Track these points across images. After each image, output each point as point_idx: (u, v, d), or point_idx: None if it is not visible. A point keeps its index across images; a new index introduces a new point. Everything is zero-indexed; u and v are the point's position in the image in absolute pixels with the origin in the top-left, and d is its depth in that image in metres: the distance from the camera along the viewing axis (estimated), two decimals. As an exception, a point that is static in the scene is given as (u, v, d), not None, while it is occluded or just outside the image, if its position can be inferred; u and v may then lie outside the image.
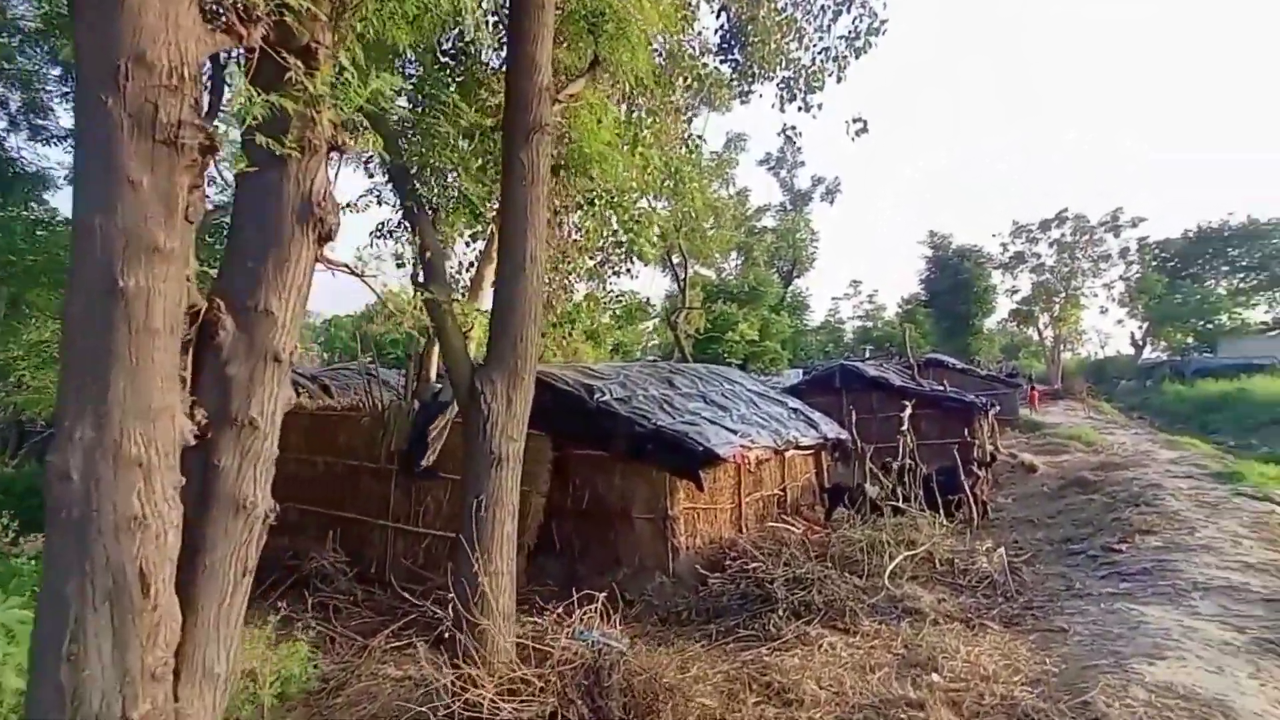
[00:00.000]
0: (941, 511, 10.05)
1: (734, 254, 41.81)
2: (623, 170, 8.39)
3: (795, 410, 11.99)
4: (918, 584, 6.14)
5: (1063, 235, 49.00)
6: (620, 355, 32.89)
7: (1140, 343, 49.26)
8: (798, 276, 45.95)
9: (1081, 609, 5.02)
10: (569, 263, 11.74)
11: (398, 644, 3.92)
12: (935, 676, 4.14)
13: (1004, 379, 25.33)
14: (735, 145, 26.73)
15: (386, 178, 6.69)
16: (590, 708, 3.42)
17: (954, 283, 48.33)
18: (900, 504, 9.26)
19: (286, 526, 8.08)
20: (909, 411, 11.58)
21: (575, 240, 11.16)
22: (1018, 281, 51.19)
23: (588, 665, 3.66)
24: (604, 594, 4.52)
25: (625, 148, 8.33)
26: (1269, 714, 3.31)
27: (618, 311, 25.58)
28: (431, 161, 6.08)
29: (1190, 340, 46.67)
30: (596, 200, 9.74)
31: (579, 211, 10.16)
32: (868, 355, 35.90)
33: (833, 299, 54.76)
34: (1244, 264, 45.56)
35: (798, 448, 10.29)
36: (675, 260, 24.81)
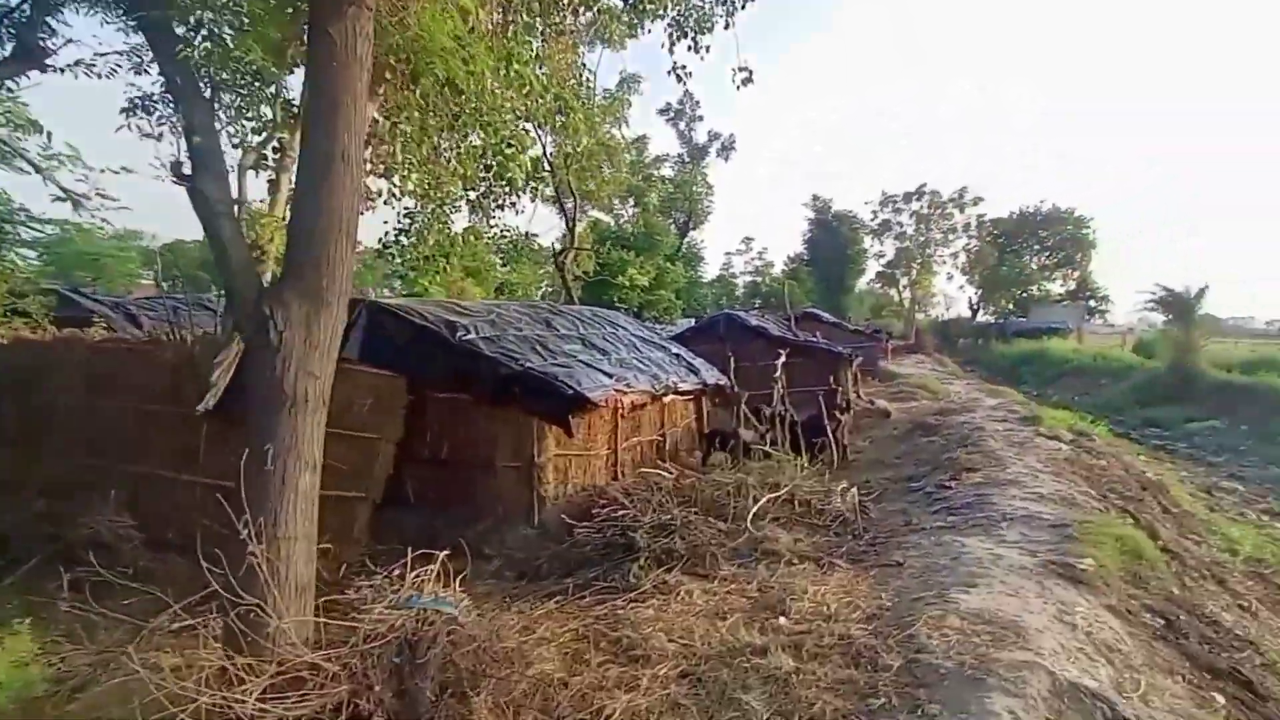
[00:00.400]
0: (806, 454, 10.56)
1: (630, 201, 41.36)
2: (492, 86, 7.58)
3: (678, 356, 11.95)
4: (779, 525, 6.28)
5: (921, 208, 53.32)
6: (507, 295, 31.67)
7: (976, 307, 55.16)
8: (693, 228, 46.42)
9: (916, 543, 5.36)
10: (442, 190, 10.69)
11: (188, 623, 3.21)
12: (783, 620, 4.21)
13: (868, 333, 27.19)
14: (629, 86, 25.76)
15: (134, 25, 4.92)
16: (395, 691, 2.96)
17: (832, 245, 51.37)
18: (770, 448, 9.52)
19: (52, 486, 6.81)
20: (783, 359, 11.90)
21: (449, 166, 10.14)
22: (884, 247, 55.32)
23: (403, 639, 3.18)
24: (454, 550, 4.08)
25: (501, 67, 7.54)
26: (1049, 629, 3.71)
27: (503, 248, 24.39)
28: (206, 18, 4.73)
29: (1011, 306, 53.14)
30: (463, 117, 8.79)
31: (449, 132, 9.17)
32: (755, 307, 37.25)
33: (726, 254, 56.25)
34: (1049, 244, 52.47)
35: (677, 393, 10.25)
36: (565, 200, 23.84)
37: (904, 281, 55.21)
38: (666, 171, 43.44)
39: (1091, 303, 51.65)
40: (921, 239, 53.97)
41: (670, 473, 8.62)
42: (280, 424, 3.73)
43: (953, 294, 57.48)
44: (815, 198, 53.57)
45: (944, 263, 54.91)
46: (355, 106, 3.91)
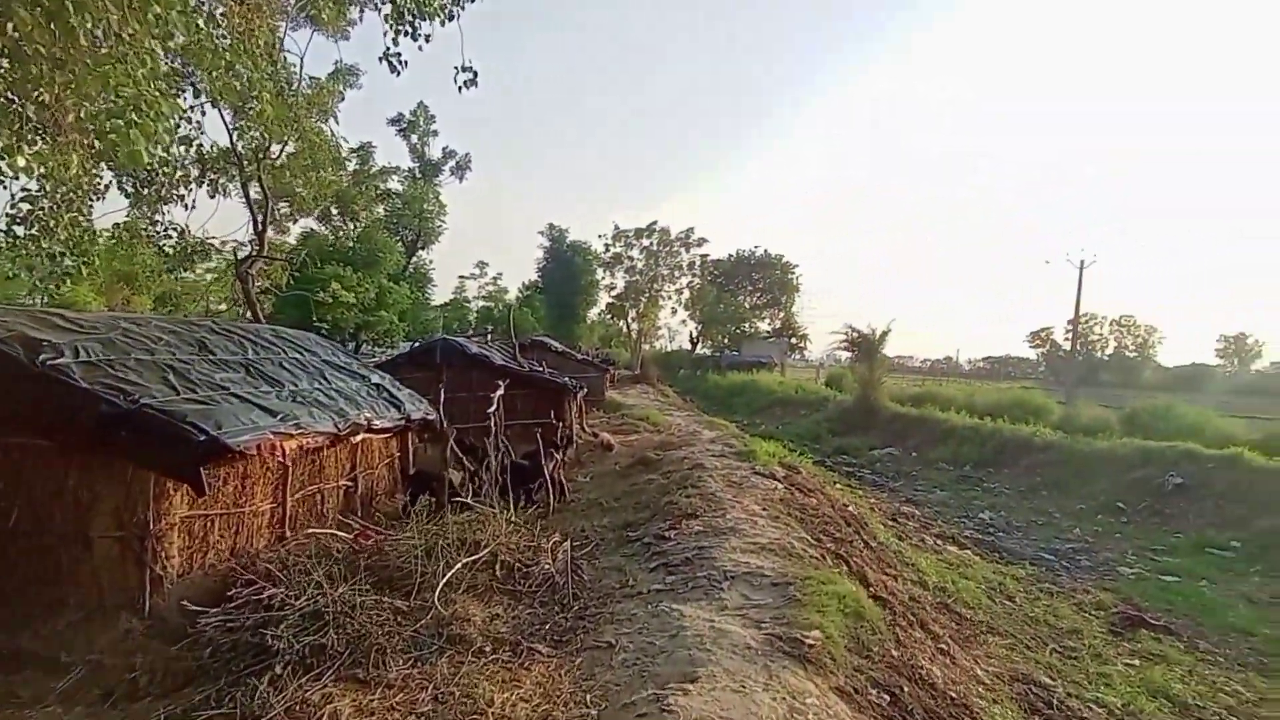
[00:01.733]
0: (523, 498, 9.67)
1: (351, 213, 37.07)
2: (116, 25, 5.46)
3: (378, 387, 10.22)
4: (475, 597, 5.25)
5: (651, 244, 57.91)
6: (172, 309, 25.56)
7: (696, 340, 61.55)
8: (422, 248, 43.65)
9: (631, 613, 4.76)
10: (73, 170, 7.69)
11: None
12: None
13: (595, 363, 27.79)
14: (344, 78, 22.91)
15: None
16: None
17: (566, 274, 52.76)
18: (476, 494, 8.44)
19: None
20: (500, 391, 10.94)
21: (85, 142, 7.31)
22: (615, 279, 58.65)
23: None
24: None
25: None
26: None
27: (168, 250, 19.53)
28: None
29: (726, 341, 60.49)
30: (70, 65, 6.24)
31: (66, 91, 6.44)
32: (480, 333, 35.75)
33: (460, 277, 53.79)
34: (760, 286, 61.24)
35: (372, 430, 8.61)
36: (254, 196, 19.96)
37: (632, 313, 59.14)
38: (395, 185, 40.41)
39: (793, 340, 61.16)
40: (650, 274, 58.54)
41: (352, 530, 7.01)
42: None
43: (675, 327, 63.45)
44: (551, 226, 54.92)
45: (669, 297, 60.39)
46: None
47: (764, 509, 7.38)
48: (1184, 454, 15.85)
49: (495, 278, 54.88)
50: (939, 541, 11.56)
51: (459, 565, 5.53)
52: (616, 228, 58.51)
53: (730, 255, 62.00)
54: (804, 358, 65.73)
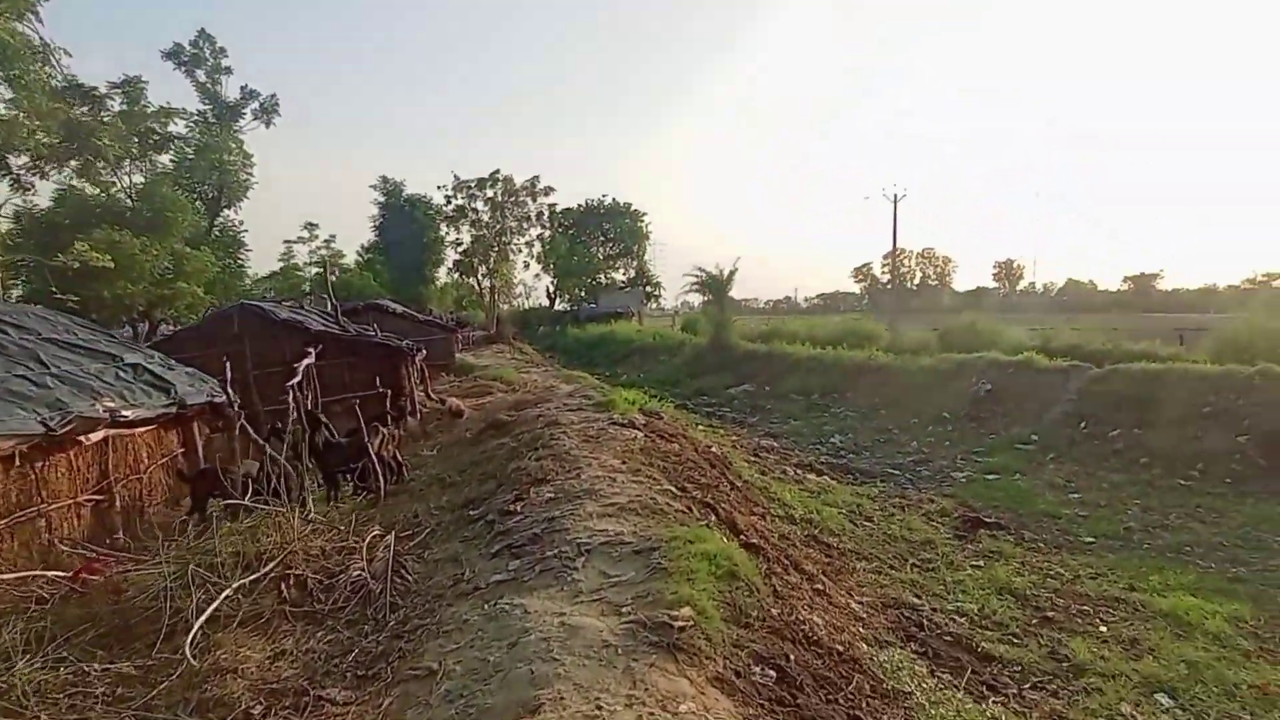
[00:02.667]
0: (352, 483, 8.22)
1: (128, 165, 30.58)
2: None
3: (134, 368, 8.11)
4: (255, 631, 3.97)
5: (496, 195, 54.49)
6: None
7: (552, 294, 59.76)
8: (227, 206, 37.19)
9: (464, 619, 3.77)
10: None
11: None
12: None
13: (440, 323, 25.69)
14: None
15: None
16: None
17: (406, 231, 48.33)
18: (278, 488, 6.93)
19: None
20: (310, 360, 9.21)
21: None
22: (461, 234, 54.75)
23: None
24: None
25: None
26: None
27: None
28: None
29: (583, 293, 59.31)
30: None
31: None
32: (308, 299, 31.70)
33: (286, 242, 46.71)
34: (612, 236, 60.36)
35: (121, 425, 6.70)
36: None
37: (482, 270, 55.92)
38: (179, 129, 33.86)
39: (648, 288, 60.94)
40: (497, 227, 55.27)
41: (91, 560, 5.32)
42: None
43: (531, 283, 60.92)
44: (384, 179, 49.71)
45: (520, 250, 57.56)
46: None
47: (623, 462, 6.65)
48: (990, 362, 17.54)
49: (328, 240, 48.39)
50: (799, 471, 11.71)
51: (228, 591, 4.18)
52: (456, 178, 54.18)
53: (579, 205, 60.18)
54: (660, 306, 66.34)
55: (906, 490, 11.05)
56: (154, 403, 7.64)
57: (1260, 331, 14.45)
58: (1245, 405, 11.27)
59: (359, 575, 4.59)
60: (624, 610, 3.55)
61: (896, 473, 12.38)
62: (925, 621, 5.72)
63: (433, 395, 15.65)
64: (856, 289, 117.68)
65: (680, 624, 3.30)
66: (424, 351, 14.96)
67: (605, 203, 60.18)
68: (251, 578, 4.39)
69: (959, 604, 6.34)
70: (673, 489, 6.07)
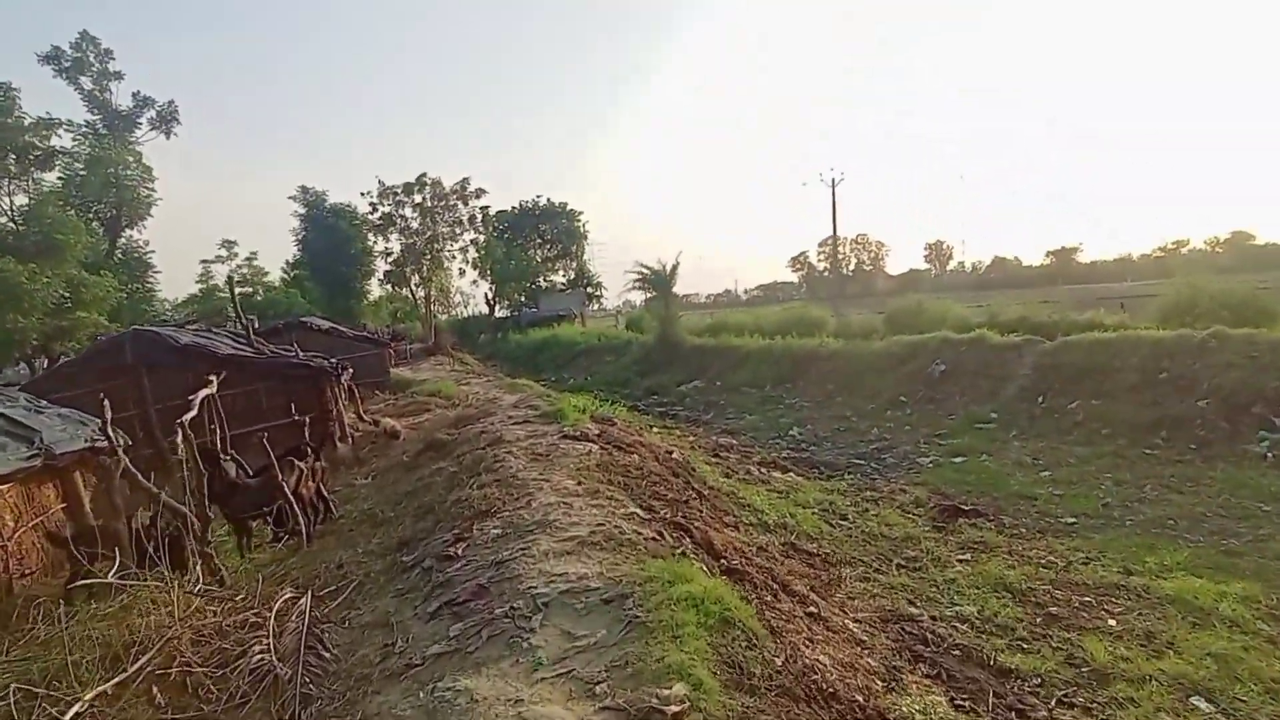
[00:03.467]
0: (270, 528, 7.14)
1: (7, 184, 27.71)
2: None
3: (-17, 416, 6.78)
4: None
5: (424, 199, 52.39)
6: None
7: (492, 301, 57.90)
8: (129, 226, 34.23)
9: (395, 711, 2.90)
10: None
11: None
12: None
13: (372, 338, 24.13)
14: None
15: None
16: None
17: (331, 243, 45.89)
18: (173, 543, 5.84)
19: None
20: (212, 389, 7.99)
21: None
22: (390, 243, 52.42)
23: None
24: None
25: None
26: None
27: None
28: None
29: (523, 298, 57.71)
30: None
31: None
32: (225, 322, 29.37)
33: (203, 262, 43.42)
34: (549, 237, 59.02)
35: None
36: None
37: (415, 280, 53.71)
38: (65, 142, 30.96)
39: (589, 289, 59.75)
40: (428, 233, 53.17)
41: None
42: None
43: (468, 290, 58.91)
44: (304, 189, 46.99)
45: (454, 257, 55.58)
46: None
47: (579, 483, 5.83)
48: (942, 342, 17.50)
49: (249, 258, 45.13)
50: (763, 470, 11.14)
51: (79, 707, 3.18)
52: (381, 184, 51.82)
53: (513, 207, 58.54)
54: (602, 307, 65.29)
55: (875, 481, 10.64)
56: (9, 455, 6.37)
57: (1204, 294, 14.81)
58: (1201, 368, 11.37)
59: (261, 659, 3.63)
60: (598, 689, 2.77)
61: (861, 463, 11.99)
62: (928, 635, 5.15)
63: (365, 416, 14.39)
64: (794, 278, 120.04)
65: (674, 709, 2.54)
66: (351, 370, 13.70)
67: (540, 204, 58.72)
68: (117, 680, 3.38)
69: (957, 608, 5.82)
70: (638, 511, 5.30)
